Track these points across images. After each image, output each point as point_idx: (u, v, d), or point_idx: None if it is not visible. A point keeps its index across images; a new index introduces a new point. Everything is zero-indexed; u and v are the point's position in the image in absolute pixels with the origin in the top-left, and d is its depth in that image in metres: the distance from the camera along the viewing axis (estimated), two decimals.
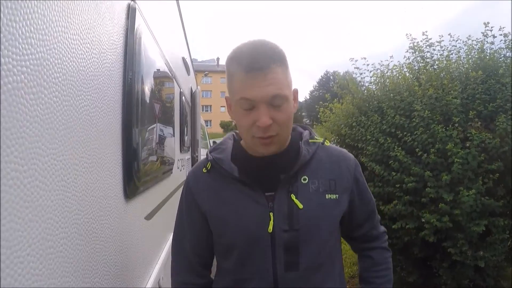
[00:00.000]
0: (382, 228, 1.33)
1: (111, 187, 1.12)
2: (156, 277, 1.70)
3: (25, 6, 0.60)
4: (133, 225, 1.38)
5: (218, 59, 74.51)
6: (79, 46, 0.85)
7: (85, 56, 0.89)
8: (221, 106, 67.00)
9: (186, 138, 3.47)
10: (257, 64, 0.98)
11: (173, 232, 1.28)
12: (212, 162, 1.15)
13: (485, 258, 3.33)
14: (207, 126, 48.73)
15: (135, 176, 1.31)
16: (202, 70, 45.08)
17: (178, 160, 2.91)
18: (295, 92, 1.12)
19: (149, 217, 1.65)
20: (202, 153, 7.09)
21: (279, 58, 1.02)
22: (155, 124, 1.74)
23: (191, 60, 4.52)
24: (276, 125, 1.01)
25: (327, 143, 1.21)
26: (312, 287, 1.11)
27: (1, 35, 0.53)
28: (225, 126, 50.31)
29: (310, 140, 1.17)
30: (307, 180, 1.10)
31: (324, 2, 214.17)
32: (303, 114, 57.21)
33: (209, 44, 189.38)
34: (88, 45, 0.92)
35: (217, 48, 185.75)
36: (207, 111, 67.03)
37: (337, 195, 1.11)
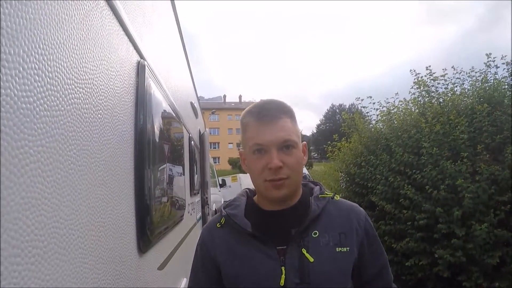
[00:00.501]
0: (395, 285, 1.27)
1: (125, 244, 1.13)
2: None
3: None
4: (147, 277, 1.38)
5: (224, 96, 75.74)
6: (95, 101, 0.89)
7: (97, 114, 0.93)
8: (228, 143, 67.45)
9: (196, 181, 3.49)
10: (268, 113, 1.12)
11: None
12: (226, 217, 1.19)
13: None
14: (215, 163, 48.74)
15: (148, 231, 1.32)
16: (209, 108, 45.60)
17: (189, 204, 2.92)
18: (304, 145, 1.20)
19: (161, 267, 1.65)
20: (212, 191, 7.09)
21: (288, 111, 1.15)
22: (165, 168, 1.76)
23: (199, 102, 4.60)
24: (286, 168, 1.09)
25: (337, 198, 1.24)
26: None
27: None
28: (233, 163, 50.30)
29: (320, 196, 1.20)
30: (317, 234, 1.13)
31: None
32: (311, 148, 57.24)
33: (216, 82, 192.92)
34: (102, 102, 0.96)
35: (223, 86, 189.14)
36: (215, 148, 67.38)
37: (347, 248, 1.13)
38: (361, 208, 1.25)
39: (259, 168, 1.10)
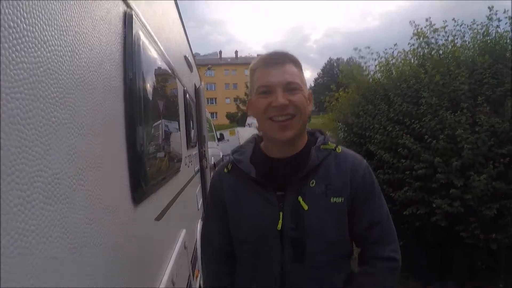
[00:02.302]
0: (393, 254, 1.23)
1: (119, 196, 1.12)
2: (169, 275, 1.71)
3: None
4: (143, 228, 1.39)
5: (220, 52, 74.43)
6: (78, 50, 0.85)
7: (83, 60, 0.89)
8: (225, 98, 67.00)
9: (192, 134, 3.47)
10: (275, 58, 1.18)
11: (202, 229, 1.43)
12: (233, 163, 1.26)
13: (497, 240, 3.35)
14: (213, 118, 48.72)
15: (142, 181, 1.31)
16: (205, 64, 44.89)
17: (186, 157, 2.91)
18: (310, 94, 1.23)
19: (159, 218, 1.66)
20: (210, 145, 7.10)
21: (294, 59, 1.21)
22: (160, 122, 1.74)
23: (193, 56, 4.50)
24: (292, 106, 1.12)
25: (339, 150, 1.25)
26: (317, 283, 1.19)
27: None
28: (231, 117, 50.23)
29: (322, 147, 1.22)
30: (314, 184, 1.17)
31: None
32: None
33: (212, 38, 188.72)
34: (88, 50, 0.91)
35: (219, 42, 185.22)
36: (212, 103, 67.00)
37: (342, 199, 1.17)
38: (364, 161, 1.26)
39: (264, 106, 1.14)
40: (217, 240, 1.37)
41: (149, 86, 1.48)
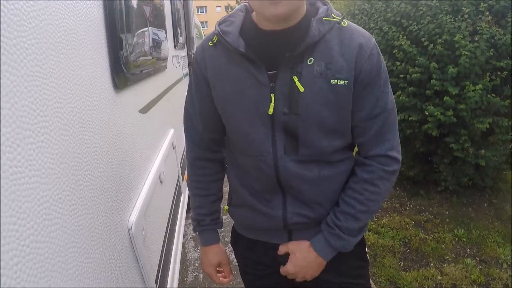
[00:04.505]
0: (393, 153, 1.09)
1: (98, 76, 1.04)
2: (156, 172, 1.69)
3: None
4: (127, 118, 1.33)
5: None
6: None
7: None
8: (216, 6, 64.05)
9: (179, 34, 3.30)
10: None
11: (184, 109, 1.24)
12: (218, 35, 1.05)
13: (486, 157, 3.35)
14: (203, 27, 46.83)
15: (123, 66, 1.22)
16: None
17: (173, 56, 2.78)
18: None
19: (144, 110, 1.60)
20: None
21: None
22: (143, 7, 1.60)
23: None
24: None
25: (344, 24, 1.04)
26: (311, 176, 1.09)
27: None
28: None
29: (324, 18, 1.01)
30: (312, 62, 0.99)
31: None
32: None
33: None
34: None
35: None
36: (202, 12, 64.16)
37: (346, 81, 0.99)
38: (373, 40, 1.04)
39: None
40: (201, 124, 1.21)
41: None
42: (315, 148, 1.06)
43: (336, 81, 0.99)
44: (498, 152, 3.39)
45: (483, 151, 3.35)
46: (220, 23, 1.08)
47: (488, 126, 3.20)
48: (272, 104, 1.01)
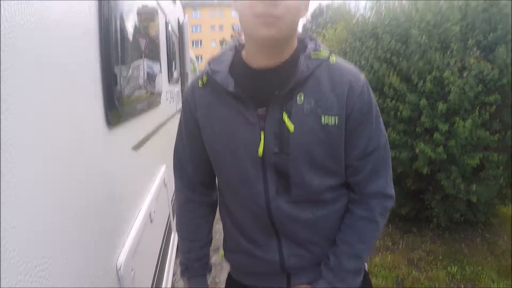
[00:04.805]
0: (387, 191, 1.08)
1: (90, 112, 1.04)
2: (147, 210, 1.66)
3: None
4: (119, 155, 1.31)
5: None
6: None
7: None
8: (211, 40, 65.29)
9: (174, 68, 3.33)
10: None
11: (174, 150, 1.20)
12: (208, 74, 1.04)
13: (478, 193, 3.32)
14: (198, 62, 47.56)
15: (117, 102, 1.22)
16: (191, 6, 43.19)
17: (167, 91, 2.80)
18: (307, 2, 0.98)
19: (136, 147, 1.59)
20: None
21: None
22: (139, 42, 1.62)
23: None
24: (282, 6, 0.86)
25: (333, 60, 1.03)
26: (305, 216, 1.06)
27: None
28: None
29: (312, 53, 1.00)
30: (302, 99, 0.97)
31: None
32: None
33: None
34: None
35: None
36: (197, 46, 65.22)
37: (337, 117, 0.98)
38: (362, 77, 1.04)
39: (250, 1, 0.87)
40: (191, 165, 1.17)
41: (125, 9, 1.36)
42: (306, 187, 1.03)
43: (327, 120, 0.97)
44: (489, 187, 3.36)
45: (474, 187, 3.33)
46: (209, 62, 1.07)
47: (478, 162, 3.20)
48: (262, 143, 0.99)
